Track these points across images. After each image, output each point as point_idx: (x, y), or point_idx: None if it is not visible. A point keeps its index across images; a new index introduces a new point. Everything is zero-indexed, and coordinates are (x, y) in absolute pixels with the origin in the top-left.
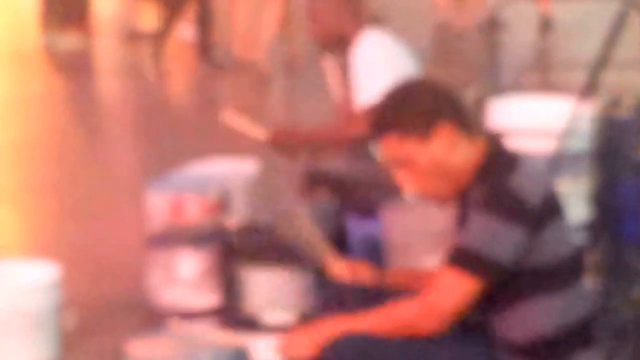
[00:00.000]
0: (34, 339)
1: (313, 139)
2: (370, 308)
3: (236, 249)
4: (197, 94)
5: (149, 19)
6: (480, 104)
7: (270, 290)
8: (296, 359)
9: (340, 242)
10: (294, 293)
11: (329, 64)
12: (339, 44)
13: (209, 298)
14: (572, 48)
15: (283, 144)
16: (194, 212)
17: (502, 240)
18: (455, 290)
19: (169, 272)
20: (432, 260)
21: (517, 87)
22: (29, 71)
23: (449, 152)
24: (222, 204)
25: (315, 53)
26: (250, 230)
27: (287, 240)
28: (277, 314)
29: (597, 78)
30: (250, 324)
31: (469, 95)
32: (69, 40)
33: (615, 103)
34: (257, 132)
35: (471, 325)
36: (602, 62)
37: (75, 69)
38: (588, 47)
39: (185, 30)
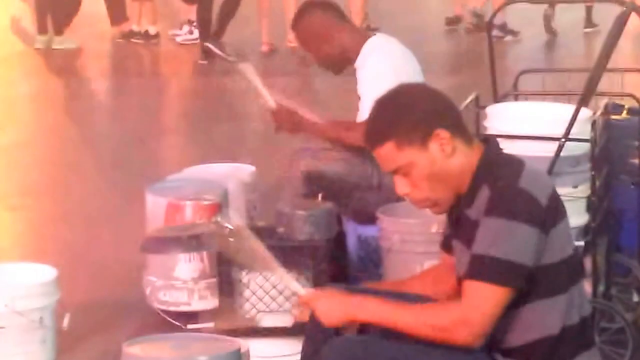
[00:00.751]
0: (31, 341)
1: (312, 131)
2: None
3: (233, 252)
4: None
5: (143, 19)
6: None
7: (267, 292)
8: (321, 320)
9: (339, 246)
10: (291, 296)
11: None
12: (343, 61)
13: (206, 301)
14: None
15: (283, 121)
16: (192, 215)
17: (522, 242)
18: (486, 304)
19: (166, 274)
20: (429, 264)
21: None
22: (24, 72)
23: (447, 159)
24: (220, 207)
25: None
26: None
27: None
28: (275, 317)
29: (596, 82)
30: (247, 327)
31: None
32: (63, 41)
33: (614, 107)
34: (268, 97)
35: None
36: (601, 66)
37: (70, 69)
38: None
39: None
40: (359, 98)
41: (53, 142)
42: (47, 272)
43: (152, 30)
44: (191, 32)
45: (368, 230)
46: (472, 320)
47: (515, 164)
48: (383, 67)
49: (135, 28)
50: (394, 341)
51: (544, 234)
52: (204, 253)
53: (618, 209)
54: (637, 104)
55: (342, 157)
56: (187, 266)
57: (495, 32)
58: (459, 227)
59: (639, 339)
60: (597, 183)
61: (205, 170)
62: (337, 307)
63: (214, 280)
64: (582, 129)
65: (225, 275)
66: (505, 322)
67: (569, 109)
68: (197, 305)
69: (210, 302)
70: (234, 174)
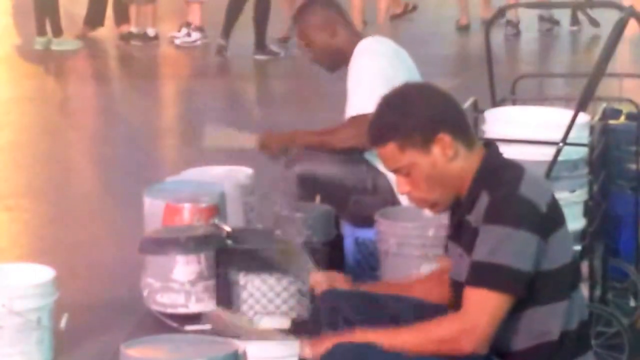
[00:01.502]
0: (28, 342)
1: (300, 144)
2: (372, 316)
3: (231, 254)
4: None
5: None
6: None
7: (264, 295)
8: None
9: (336, 248)
10: (289, 298)
11: None
12: (337, 60)
13: (203, 302)
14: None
15: (271, 147)
16: (190, 217)
17: (522, 249)
18: (488, 312)
19: (164, 276)
20: (426, 266)
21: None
22: (23, 73)
23: (448, 162)
24: (217, 209)
25: None
26: (245, 235)
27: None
28: (272, 319)
29: (594, 86)
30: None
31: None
32: (62, 42)
33: (612, 112)
34: (245, 139)
35: None
36: (599, 71)
37: (68, 71)
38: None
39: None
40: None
41: (51, 142)
42: (44, 273)
43: (151, 32)
44: (189, 35)
45: (366, 233)
46: (476, 328)
47: (516, 170)
48: (370, 67)
49: (134, 30)
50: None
51: (544, 241)
52: (202, 255)
53: (615, 214)
54: (636, 109)
55: (336, 160)
56: (184, 268)
57: (508, 31)
58: (459, 232)
59: (636, 344)
60: (595, 188)
61: (203, 172)
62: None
63: (211, 282)
64: (580, 133)
65: (222, 277)
66: (505, 327)
67: (567, 113)
68: (194, 307)
69: (208, 305)
70: (231, 176)
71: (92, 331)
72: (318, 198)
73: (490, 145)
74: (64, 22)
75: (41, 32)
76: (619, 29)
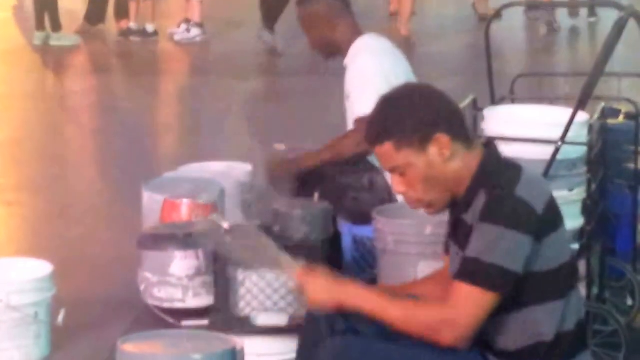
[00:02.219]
0: (26, 336)
1: (310, 164)
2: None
3: (229, 250)
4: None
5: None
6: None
7: (262, 291)
8: (309, 298)
9: (334, 246)
10: (287, 294)
11: None
12: (333, 51)
13: (200, 298)
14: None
15: (279, 174)
16: (188, 213)
17: (514, 250)
18: (473, 307)
19: (161, 271)
20: (423, 265)
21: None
22: (22, 69)
23: (445, 163)
24: (216, 205)
25: None
26: (243, 231)
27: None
28: (270, 316)
29: (593, 86)
30: (242, 325)
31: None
32: (61, 38)
33: (611, 111)
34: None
35: None
36: (599, 70)
37: (67, 66)
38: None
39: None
40: (347, 97)
41: (49, 138)
42: (42, 268)
43: (150, 28)
44: (189, 31)
45: (363, 231)
46: (457, 322)
47: (514, 170)
48: (371, 67)
49: (133, 26)
50: (388, 342)
51: (538, 242)
52: (200, 250)
53: (613, 213)
54: (634, 109)
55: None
56: (182, 263)
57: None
58: (456, 231)
59: (633, 342)
60: (593, 187)
61: (202, 168)
62: (327, 289)
63: (209, 277)
64: (578, 132)
65: (220, 272)
66: (501, 325)
67: (566, 112)
68: (191, 302)
69: (205, 300)
70: (230, 172)
71: (90, 326)
72: (316, 195)
73: (490, 145)
74: (63, 17)
75: (40, 26)
76: (619, 28)
